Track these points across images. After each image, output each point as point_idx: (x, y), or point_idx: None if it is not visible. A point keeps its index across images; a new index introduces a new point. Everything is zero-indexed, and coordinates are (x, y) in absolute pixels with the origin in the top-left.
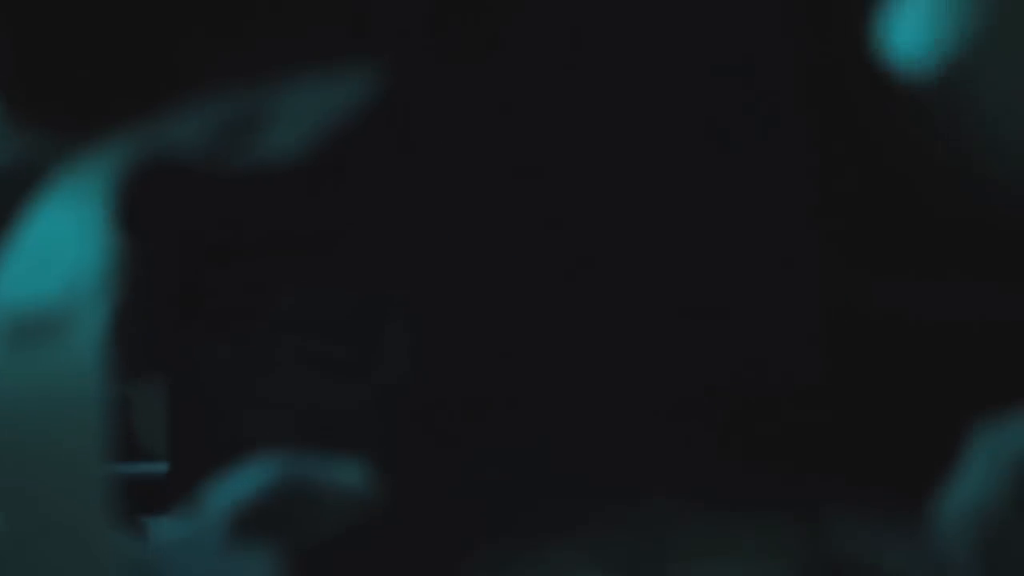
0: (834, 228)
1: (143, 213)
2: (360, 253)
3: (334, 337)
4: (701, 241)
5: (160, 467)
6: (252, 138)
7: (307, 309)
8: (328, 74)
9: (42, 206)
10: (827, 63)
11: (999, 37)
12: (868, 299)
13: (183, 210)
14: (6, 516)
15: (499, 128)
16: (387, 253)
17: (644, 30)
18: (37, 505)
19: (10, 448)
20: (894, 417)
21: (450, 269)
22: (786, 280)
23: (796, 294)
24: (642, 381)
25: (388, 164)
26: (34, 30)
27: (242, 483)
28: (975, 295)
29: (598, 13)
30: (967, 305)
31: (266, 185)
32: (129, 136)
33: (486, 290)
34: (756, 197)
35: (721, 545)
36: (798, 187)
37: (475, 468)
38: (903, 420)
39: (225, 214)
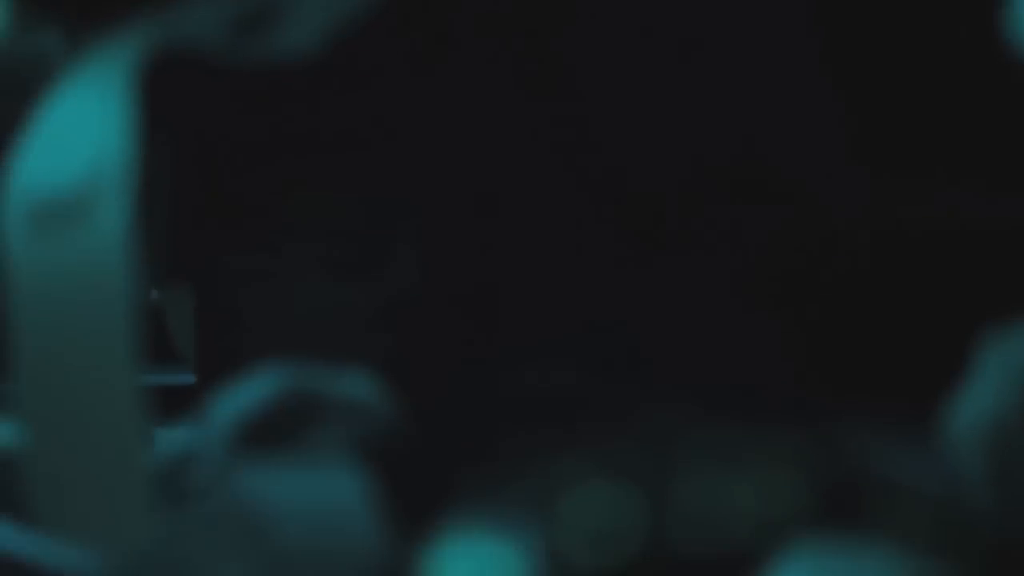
0: (860, 133)
1: (162, 107)
2: (374, 155)
3: (346, 241)
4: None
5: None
6: (265, 32)
7: (320, 212)
8: None
9: (60, 93)
10: None
11: None
12: (888, 205)
13: (200, 105)
14: (30, 403)
15: (515, 31)
16: (401, 156)
17: None
18: (62, 393)
19: (33, 334)
20: (907, 326)
21: (464, 174)
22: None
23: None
24: (648, 285)
25: (403, 63)
26: None
27: (247, 394)
28: (990, 204)
29: None
30: (980, 213)
31: (280, 82)
32: (144, 25)
33: (499, 196)
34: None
35: (729, 455)
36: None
37: (482, 377)
38: (916, 329)
39: (241, 111)
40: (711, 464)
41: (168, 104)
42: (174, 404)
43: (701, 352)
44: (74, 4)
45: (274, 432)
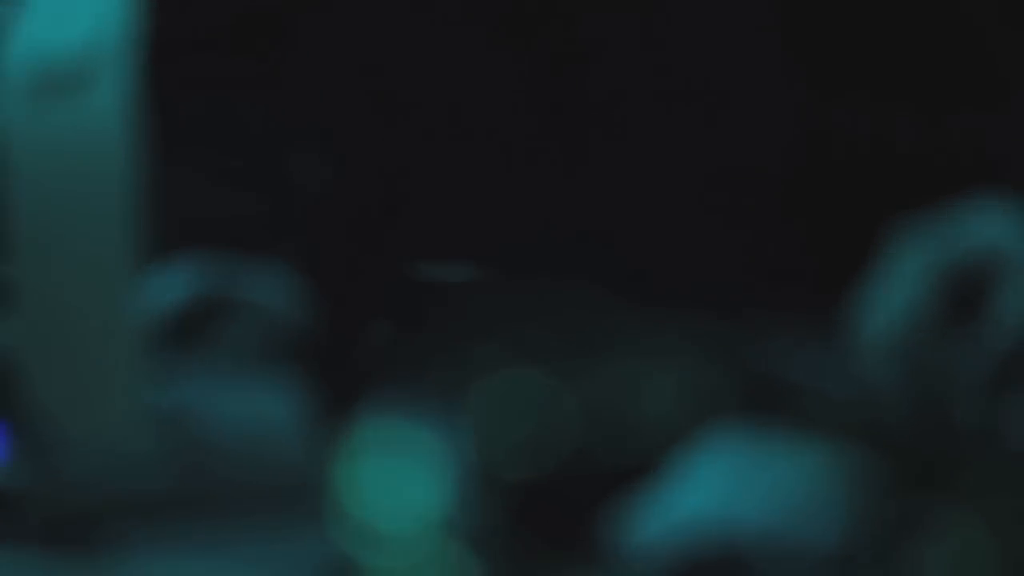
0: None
1: None
2: (294, 60)
3: (247, 149)
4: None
5: None
6: None
7: (225, 118)
8: None
9: None
10: None
11: None
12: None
13: None
14: (27, 273)
15: None
16: (314, 65)
17: None
18: (61, 255)
19: (34, 198)
20: (826, 225)
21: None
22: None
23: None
24: (574, 180)
25: None
26: None
27: (165, 291)
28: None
29: None
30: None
31: None
32: None
33: (407, 93)
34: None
35: (649, 346)
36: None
37: (396, 270)
38: (834, 228)
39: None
40: (630, 353)
41: None
42: None
43: (621, 242)
44: None
45: (187, 329)
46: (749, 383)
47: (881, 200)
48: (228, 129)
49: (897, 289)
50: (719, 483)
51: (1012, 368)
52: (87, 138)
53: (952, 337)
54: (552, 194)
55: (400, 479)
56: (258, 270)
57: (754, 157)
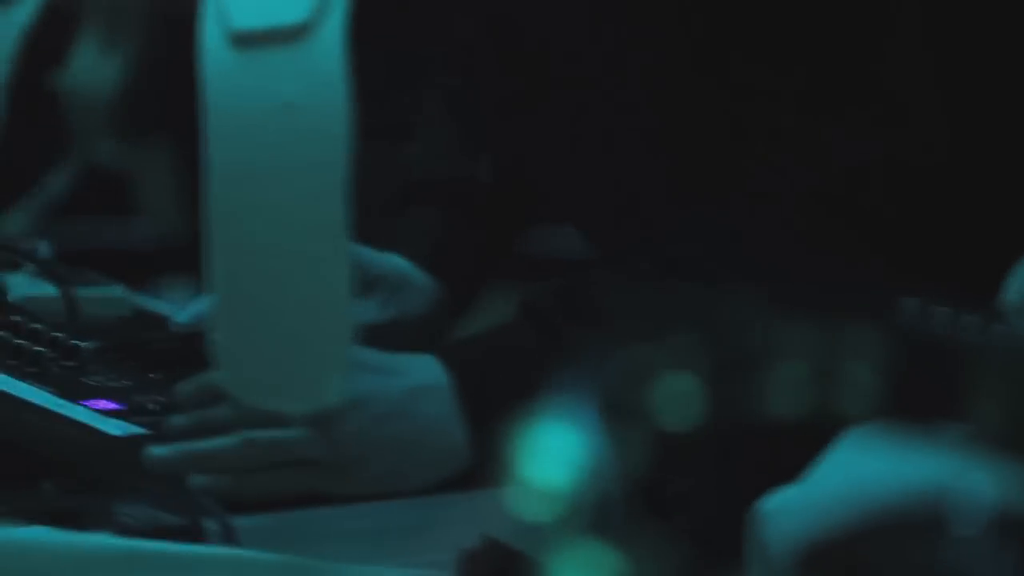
0: None
1: None
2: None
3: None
4: None
5: None
6: None
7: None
8: None
9: None
10: None
11: None
12: None
13: None
14: (236, 216)
15: None
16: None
17: None
18: (260, 230)
19: (244, 151)
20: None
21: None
22: None
23: None
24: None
25: None
26: None
27: None
28: None
29: None
30: None
31: None
32: None
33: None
34: None
35: (801, 347)
36: None
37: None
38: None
39: None
40: (783, 355)
41: None
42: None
43: (769, 251)
44: None
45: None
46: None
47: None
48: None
49: None
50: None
51: None
52: (305, 91)
53: None
54: (706, 190)
55: (551, 471)
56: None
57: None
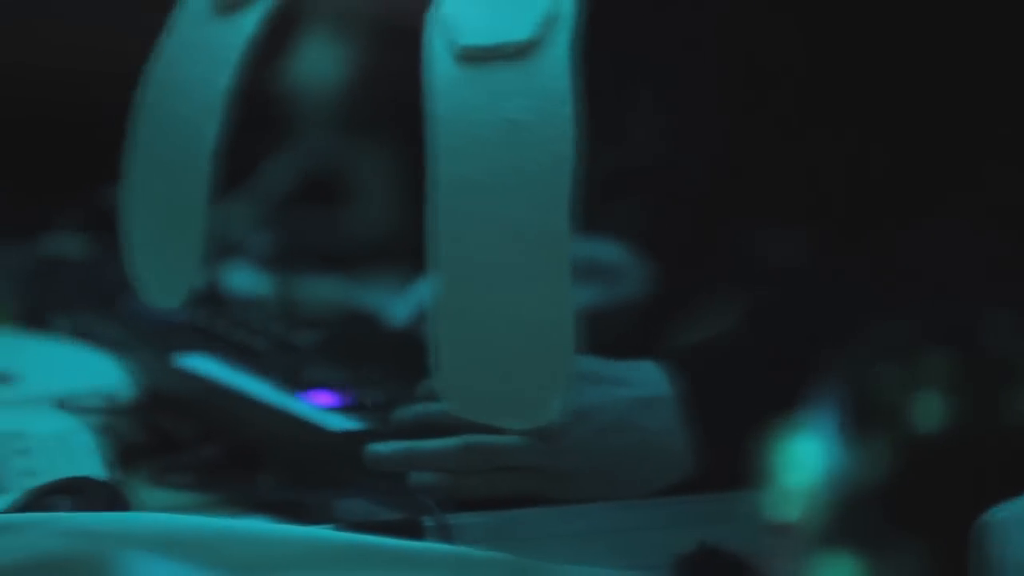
0: None
1: None
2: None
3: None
4: None
5: None
6: None
7: None
8: None
9: None
10: None
11: None
12: None
13: None
14: (460, 229)
15: None
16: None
17: None
18: (495, 220)
19: (469, 164)
20: None
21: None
22: None
23: None
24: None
25: None
26: None
27: None
28: None
29: None
30: None
31: None
32: None
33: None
34: None
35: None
36: None
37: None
38: None
39: None
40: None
41: None
42: None
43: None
44: None
45: None
46: None
47: None
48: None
49: None
50: None
51: None
52: (533, 106)
53: None
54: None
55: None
56: (589, 240)
57: None
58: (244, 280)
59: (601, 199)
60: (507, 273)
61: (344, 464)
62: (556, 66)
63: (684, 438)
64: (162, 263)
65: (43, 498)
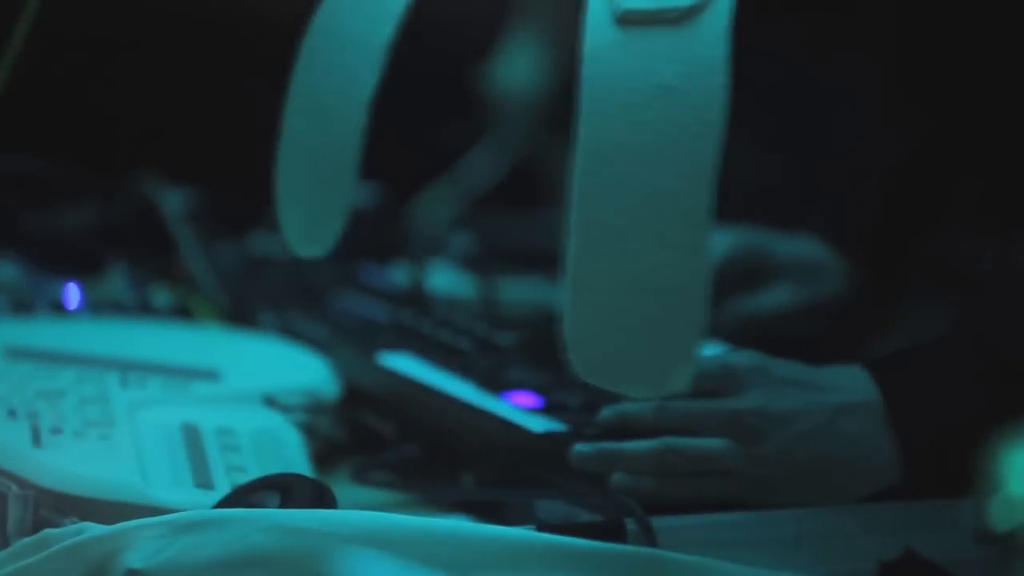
0: None
1: None
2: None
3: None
4: None
5: None
6: None
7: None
8: None
9: None
10: None
11: None
12: None
13: None
14: (599, 193)
15: None
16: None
17: None
18: (636, 186)
19: (616, 130)
20: None
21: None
22: None
23: None
24: None
25: None
26: None
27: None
28: None
29: None
30: None
31: None
32: None
33: None
34: None
35: None
36: None
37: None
38: None
39: None
40: None
41: None
42: None
43: None
44: None
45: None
46: None
47: None
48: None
49: None
50: None
51: None
52: (688, 72)
53: None
54: None
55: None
56: (790, 238)
57: None
58: (447, 280)
59: (805, 198)
60: (644, 238)
61: (545, 465)
62: (714, 33)
63: (889, 446)
64: (310, 211)
65: (251, 494)
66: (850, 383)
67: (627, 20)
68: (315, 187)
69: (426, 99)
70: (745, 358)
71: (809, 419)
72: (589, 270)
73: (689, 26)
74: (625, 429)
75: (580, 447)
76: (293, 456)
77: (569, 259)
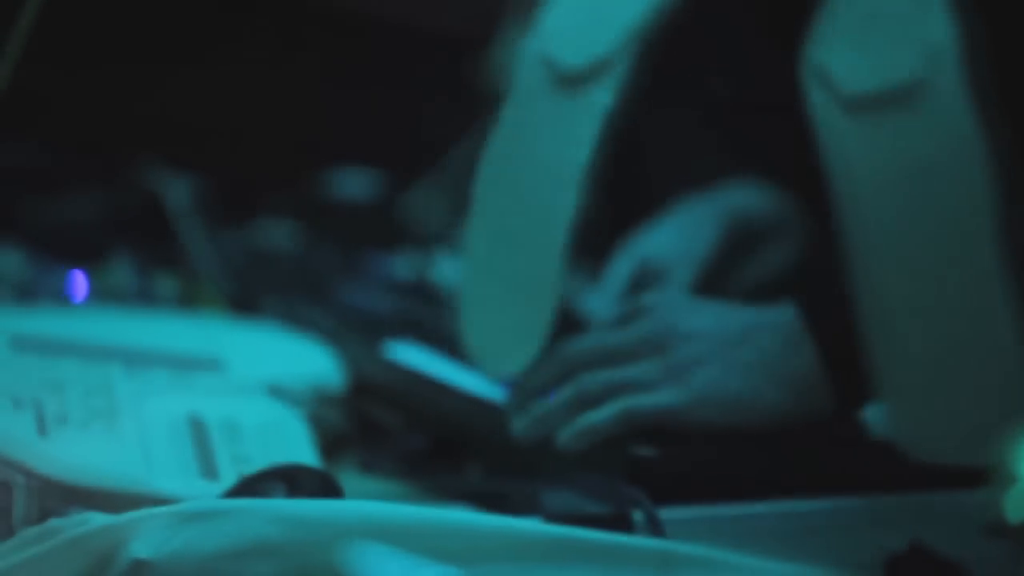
0: None
1: None
2: None
3: None
4: None
5: None
6: None
7: None
8: None
9: None
10: None
11: None
12: None
13: None
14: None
15: None
16: None
17: None
18: (919, 259)
19: (880, 216)
20: None
21: None
22: None
23: None
24: None
25: None
26: None
27: None
28: None
29: None
30: None
31: None
32: None
33: None
34: None
35: None
36: None
37: None
38: None
39: None
40: None
41: None
42: None
43: None
44: None
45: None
46: None
47: None
48: None
49: None
50: None
51: None
52: (937, 152)
53: None
54: None
55: None
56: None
57: None
58: (451, 270)
59: (734, 146)
60: (946, 317)
61: (551, 456)
62: (952, 104)
63: (808, 352)
64: (505, 332)
65: (257, 484)
66: (771, 309)
67: (855, 106)
68: (511, 310)
69: (426, 89)
70: (655, 295)
71: (720, 332)
72: (903, 352)
73: (922, 100)
74: (545, 423)
75: (516, 426)
76: (299, 447)
77: (877, 342)
